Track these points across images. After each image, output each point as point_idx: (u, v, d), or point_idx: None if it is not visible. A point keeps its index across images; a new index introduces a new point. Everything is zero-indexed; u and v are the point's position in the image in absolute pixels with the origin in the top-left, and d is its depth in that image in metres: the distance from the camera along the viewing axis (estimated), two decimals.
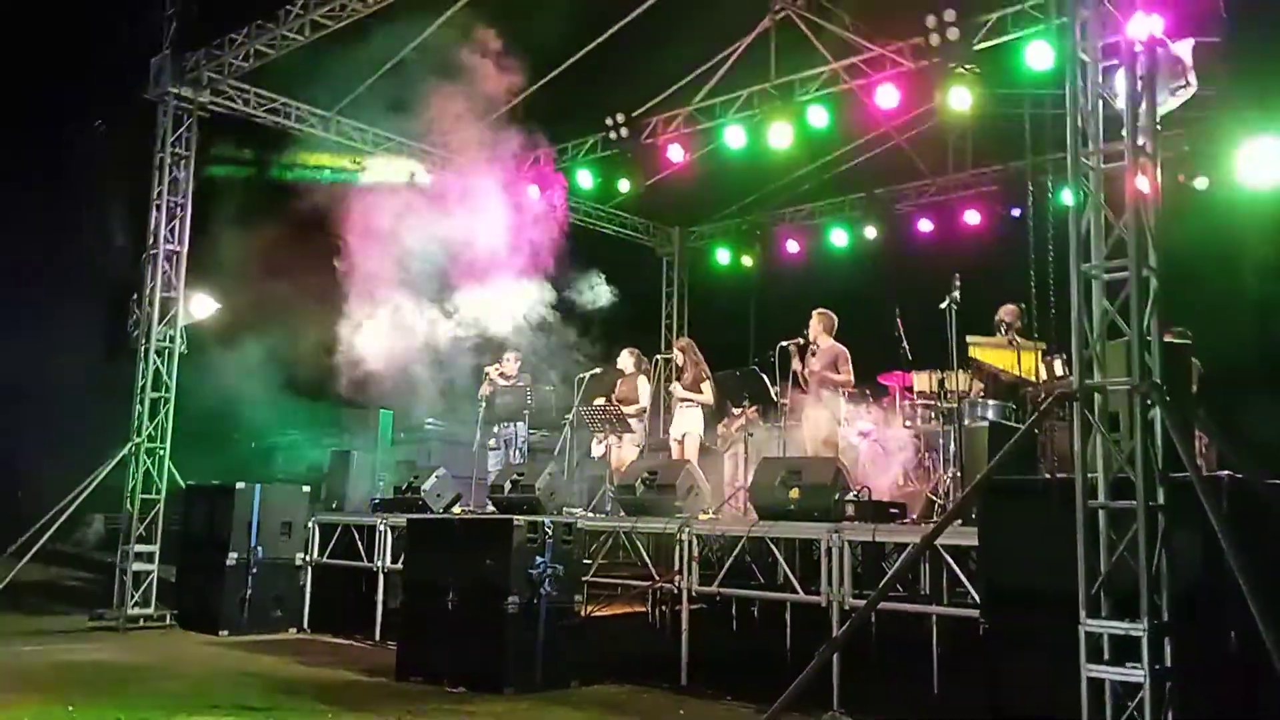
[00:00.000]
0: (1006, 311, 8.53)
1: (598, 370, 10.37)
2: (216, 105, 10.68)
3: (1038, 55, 8.65)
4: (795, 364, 9.30)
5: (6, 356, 12.26)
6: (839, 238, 13.96)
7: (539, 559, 6.94)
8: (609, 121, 11.17)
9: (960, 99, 9.33)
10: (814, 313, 9.59)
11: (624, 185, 12.47)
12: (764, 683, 5.82)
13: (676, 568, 7.32)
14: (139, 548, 9.77)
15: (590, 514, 9.33)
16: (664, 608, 9.22)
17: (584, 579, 7.52)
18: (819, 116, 10.39)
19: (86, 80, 12.87)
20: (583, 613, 7.38)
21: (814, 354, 9.46)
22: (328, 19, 9.45)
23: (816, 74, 10.37)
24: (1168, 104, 5.48)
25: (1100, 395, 4.78)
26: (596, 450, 10.91)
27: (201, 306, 10.68)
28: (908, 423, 8.96)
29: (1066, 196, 5.06)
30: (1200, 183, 10.79)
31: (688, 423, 10.26)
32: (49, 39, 13.32)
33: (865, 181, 13.31)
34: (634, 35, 10.13)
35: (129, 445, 9.94)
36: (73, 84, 13.14)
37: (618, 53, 10.41)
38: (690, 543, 7.29)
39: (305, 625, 9.59)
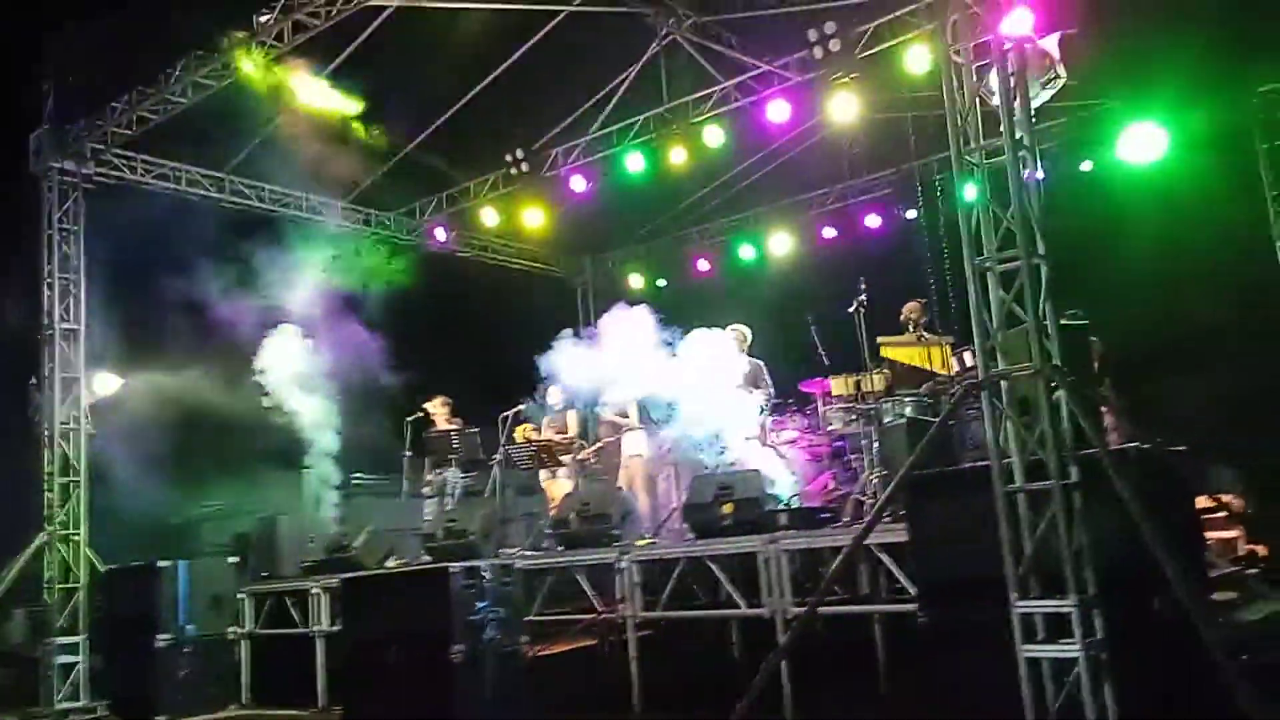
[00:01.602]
0: (909, 309, 8.75)
1: (521, 407, 10.31)
2: (102, 176, 10.41)
3: (916, 59, 8.91)
4: None
5: None
6: (747, 252, 14.15)
7: (479, 604, 6.84)
8: (508, 158, 11.18)
9: (847, 107, 9.57)
10: (726, 330, 9.68)
11: (530, 219, 12.47)
12: (718, 701, 5.81)
13: (619, 596, 7.29)
14: (63, 639, 9.40)
15: (528, 552, 9.25)
16: (612, 638, 9.17)
17: (528, 619, 7.45)
18: (714, 136, 10.55)
19: None
20: (530, 653, 7.30)
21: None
22: (209, 79, 9.32)
23: (708, 94, 10.54)
24: (1040, 96, 5.72)
25: (1006, 382, 4.93)
26: (547, 483, 10.78)
27: (104, 384, 10.37)
28: (830, 427, 9.08)
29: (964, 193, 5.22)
30: (1085, 166, 11.21)
31: (635, 445, 10.23)
32: None
33: (766, 195, 13.54)
34: (526, 71, 10.18)
35: (42, 534, 9.58)
36: None
37: (512, 89, 10.43)
38: (630, 570, 7.28)
39: (245, 700, 9.29)
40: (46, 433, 9.77)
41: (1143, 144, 10.55)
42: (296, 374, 10.47)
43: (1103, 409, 6.46)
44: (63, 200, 10.10)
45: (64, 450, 9.79)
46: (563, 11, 9.52)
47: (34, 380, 9.92)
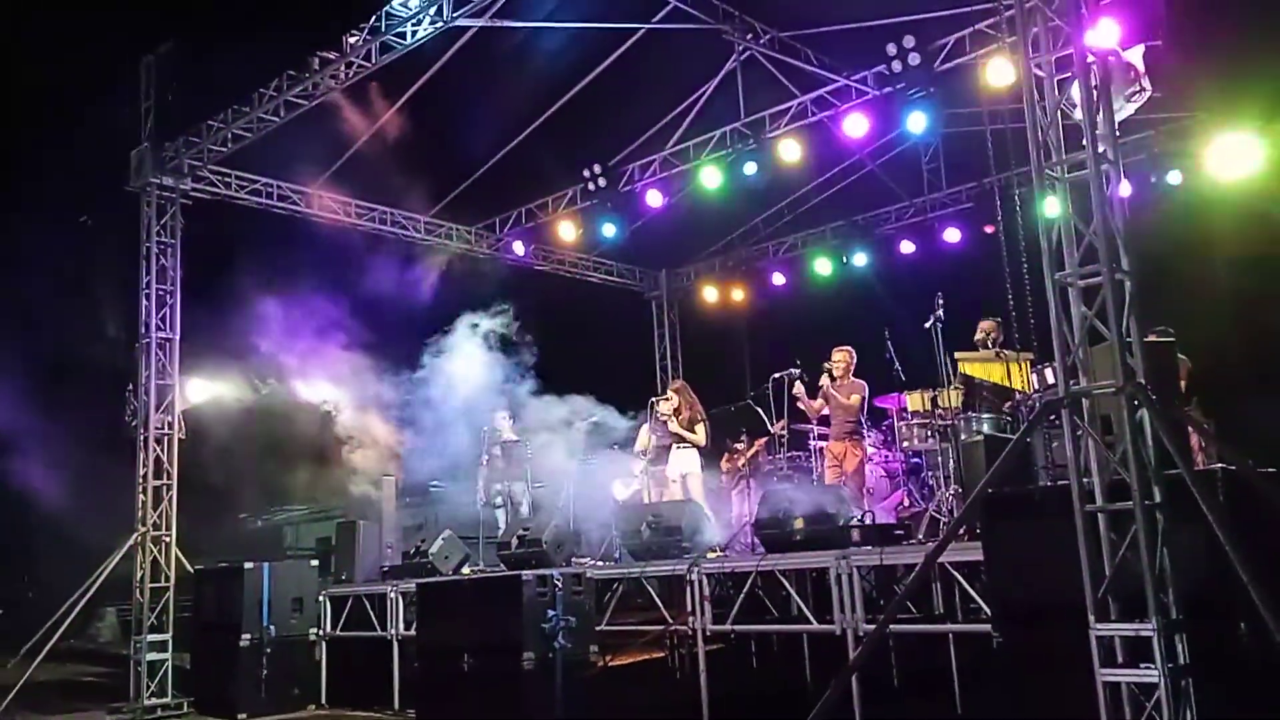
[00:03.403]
0: (985, 328, 8.64)
1: (595, 419, 10.39)
2: (198, 191, 10.81)
3: (997, 72, 8.78)
4: (799, 390, 9.39)
5: (5, 452, 12.29)
6: (823, 266, 14.05)
7: (551, 612, 6.92)
8: (586, 173, 11.31)
9: (926, 121, 9.48)
10: (842, 349, 9.65)
11: (607, 231, 12.59)
12: (787, 718, 5.79)
13: (689, 608, 7.31)
14: (151, 637, 9.73)
15: (599, 562, 9.31)
16: (681, 650, 9.17)
17: (598, 628, 7.50)
18: (791, 150, 10.54)
19: (71, 175, 13.04)
20: (600, 663, 7.35)
21: (838, 386, 9.55)
22: (301, 98, 9.63)
23: (785, 108, 10.54)
24: (1124, 110, 5.60)
25: (1088, 400, 4.84)
26: (620, 493, 10.85)
27: (197, 391, 10.73)
28: (905, 443, 8.99)
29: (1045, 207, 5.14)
30: (1173, 177, 10.90)
31: (685, 463, 10.23)
32: (30, 136, 13.57)
33: (844, 209, 13.44)
34: (604, 87, 10.31)
35: (134, 535, 9.94)
36: (57, 179, 13.32)
37: (590, 105, 10.57)
38: (700, 582, 7.29)
39: (324, 701, 9.52)
40: (141, 437, 10.15)
41: (1234, 157, 10.24)
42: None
43: (1189, 429, 6.28)
44: (160, 214, 10.53)
45: (158, 454, 10.15)
46: (641, 29, 9.62)
47: (130, 387, 10.33)
